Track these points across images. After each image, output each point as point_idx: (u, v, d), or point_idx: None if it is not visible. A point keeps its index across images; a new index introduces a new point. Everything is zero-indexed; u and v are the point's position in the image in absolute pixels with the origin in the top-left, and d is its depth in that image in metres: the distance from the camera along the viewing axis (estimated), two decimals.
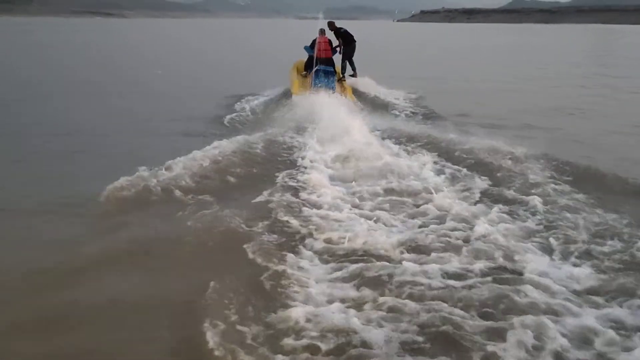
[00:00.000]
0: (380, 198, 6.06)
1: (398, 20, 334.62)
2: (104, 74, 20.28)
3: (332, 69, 12.18)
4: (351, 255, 4.62)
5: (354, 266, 4.39)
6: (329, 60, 12.18)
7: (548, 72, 23.18)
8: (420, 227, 5.25)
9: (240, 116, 10.99)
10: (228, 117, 10.86)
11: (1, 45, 36.90)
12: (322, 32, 12.30)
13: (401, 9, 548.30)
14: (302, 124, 9.17)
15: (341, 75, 12.80)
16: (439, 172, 6.96)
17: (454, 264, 4.44)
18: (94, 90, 15.56)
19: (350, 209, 5.68)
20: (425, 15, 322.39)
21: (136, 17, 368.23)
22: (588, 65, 27.83)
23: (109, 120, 10.85)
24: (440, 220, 5.42)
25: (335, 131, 8.24)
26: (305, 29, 15.01)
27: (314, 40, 12.12)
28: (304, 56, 12.80)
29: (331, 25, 12.70)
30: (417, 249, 4.76)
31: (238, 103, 12.29)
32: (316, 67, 11.87)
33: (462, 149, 7.88)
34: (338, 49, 12.66)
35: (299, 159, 7.48)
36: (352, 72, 13.38)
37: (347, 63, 13.11)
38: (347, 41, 12.80)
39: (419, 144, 8.42)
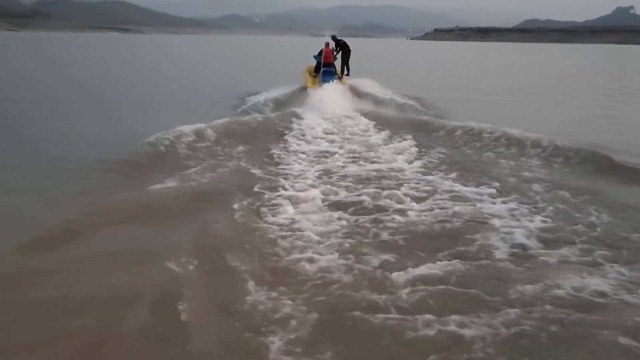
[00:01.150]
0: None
1: (412, 39, 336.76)
2: (117, 88, 20.54)
3: (334, 70, 16.72)
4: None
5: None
6: (331, 64, 16.68)
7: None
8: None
9: (266, 102, 14.63)
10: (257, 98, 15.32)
11: (15, 60, 37.30)
12: (327, 44, 17.05)
13: (415, 28, 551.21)
14: (315, 105, 13.62)
15: (340, 75, 17.05)
16: (380, 131, 11.17)
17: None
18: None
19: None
20: (439, 34, 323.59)
21: (153, 32, 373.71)
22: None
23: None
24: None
25: (331, 109, 13.38)
26: (314, 45, 19.17)
27: (321, 50, 16.77)
28: (312, 63, 17.33)
29: (334, 38, 17.66)
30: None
31: (261, 94, 15.94)
32: (323, 69, 16.41)
33: (413, 123, 11.82)
34: (337, 55, 17.27)
35: (309, 120, 12.13)
36: (346, 72, 17.63)
37: (347, 67, 17.59)
38: (345, 50, 17.31)
39: (380, 118, 12.60)
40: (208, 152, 8.72)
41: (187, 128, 9.26)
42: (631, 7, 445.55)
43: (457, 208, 6.04)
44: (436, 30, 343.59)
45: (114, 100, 16.01)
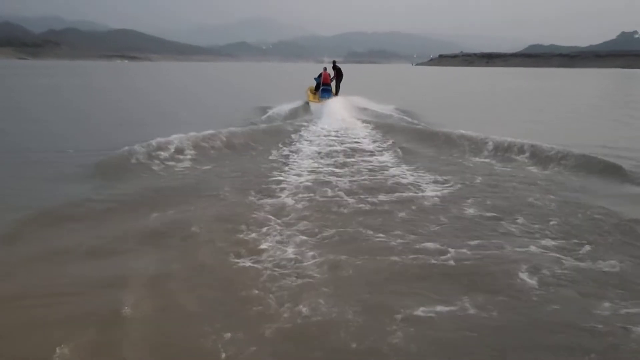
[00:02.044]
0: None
1: (417, 64, 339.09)
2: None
3: (330, 89, 20.87)
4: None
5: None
6: (328, 84, 20.82)
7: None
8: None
9: (279, 113, 18.61)
10: (270, 112, 18.98)
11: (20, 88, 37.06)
12: (325, 69, 21.28)
13: (420, 54, 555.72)
14: (316, 115, 17.45)
15: (335, 93, 21.10)
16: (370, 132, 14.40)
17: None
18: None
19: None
20: (444, 59, 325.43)
21: (161, 60, 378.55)
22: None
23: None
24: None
25: (330, 117, 16.63)
26: (318, 70, 22.12)
27: (320, 73, 21.05)
28: (313, 84, 21.74)
29: (334, 63, 21.92)
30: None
31: (274, 108, 19.62)
32: (322, 88, 20.64)
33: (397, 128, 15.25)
34: (334, 78, 21.19)
35: (313, 126, 15.25)
36: (338, 92, 21.36)
37: (336, 88, 21.34)
38: (339, 74, 21.37)
39: (369, 123, 16.04)
40: (234, 151, 11.25)
41: (205, 133, 11.70)
42: (635, 32, 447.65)
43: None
44: (441, 56, 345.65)
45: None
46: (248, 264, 4.96)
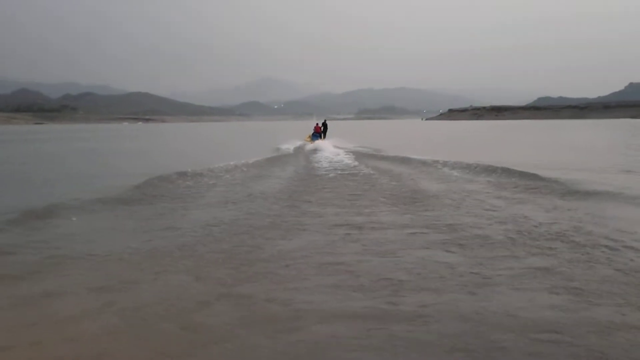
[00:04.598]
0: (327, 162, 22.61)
1: (427, 119, 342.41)
2: None
3: (319, 135, 36.00)
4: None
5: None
6: (318, 133, 36.23)
7: None
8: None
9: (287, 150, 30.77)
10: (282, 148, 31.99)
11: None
12: (317, 123, 37.54)
13: (430, 109, 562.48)
14: (311, 150, 29.30)
15: (322, 138, 35.81)
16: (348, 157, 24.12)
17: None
18: None
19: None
20: (453, 114, 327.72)
21: (175, 121, 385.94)
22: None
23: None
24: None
25: (320, 148, 29.67)
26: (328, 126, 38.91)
27: (314, 126, 37.27)
28: (310, 132, 37.32)
29: (324, 121, 38.24)
30: None
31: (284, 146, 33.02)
32: (313, 134, 36.35)
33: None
34: (323, 129, 36.95)
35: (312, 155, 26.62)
36: (324, 137, 36.28)
37: (324, 135, 36.53)
38: (326, 127, 37.28)
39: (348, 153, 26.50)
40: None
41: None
42: None
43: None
44: (450, 111, 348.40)
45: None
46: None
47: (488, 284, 5.85)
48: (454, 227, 8.68)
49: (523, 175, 15.04)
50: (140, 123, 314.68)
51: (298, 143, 34.11)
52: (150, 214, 10.35)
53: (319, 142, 32.96)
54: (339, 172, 17.64)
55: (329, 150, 27.87)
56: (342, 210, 10.35)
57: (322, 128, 36.32)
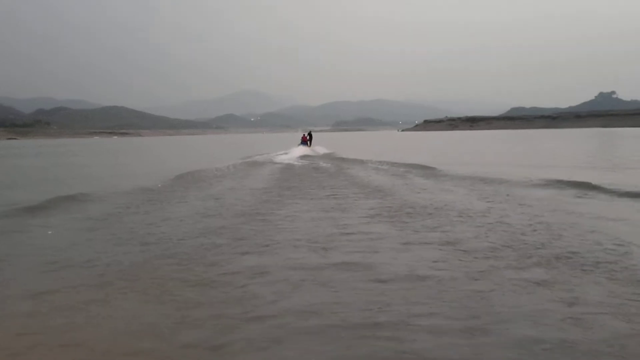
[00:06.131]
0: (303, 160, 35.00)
1: (402, 130, 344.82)
2: None
3: (306, 143, 46.70)
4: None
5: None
6: (305, 141, 47.28)
7: None
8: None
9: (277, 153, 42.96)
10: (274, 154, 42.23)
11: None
12: (303, 134, 49.25)
13: (405, 120, 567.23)
14: (296, 150, 42.20)
15: (308, 145, 46.47)
16: (321, 159, 36.05)
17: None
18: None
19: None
20: (429, 125, 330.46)
21: (151, 135, 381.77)
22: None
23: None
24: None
25: (302, 151, 41.77)
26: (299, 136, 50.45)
27: (302, 136, 48.93)
28: (299, 142, 49.18)
29: (309, 132, 50.17)
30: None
31: (279, 152, 43.39)
32: (301, 142, 47.01)
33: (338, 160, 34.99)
34: (308, 137, 48.38)
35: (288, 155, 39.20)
36: (310, 144, 46.97)
37: (310, 142, 47.62)
38: (311, 137, 48.61)
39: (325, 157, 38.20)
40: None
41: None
42: (613, 92, 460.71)
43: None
44: (426, 122, 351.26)
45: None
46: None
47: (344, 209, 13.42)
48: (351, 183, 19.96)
49: (414, 166, 25.66)
50: (115, 137, 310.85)
51: (292, 148, 45.11)
52: None
53: (306, 148, 43.75)
54: (308, 166, 29.38)
55: (306, 151, 41.85)
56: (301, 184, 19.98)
57: (308, 137, 47.36)
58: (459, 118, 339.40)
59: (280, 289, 6.22)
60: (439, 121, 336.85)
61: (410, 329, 4.88)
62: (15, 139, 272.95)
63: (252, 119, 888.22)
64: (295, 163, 31.39)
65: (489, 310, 5.32)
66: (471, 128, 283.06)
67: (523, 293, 5.92)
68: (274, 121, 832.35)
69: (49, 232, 9.99)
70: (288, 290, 6.18)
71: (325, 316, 5.37)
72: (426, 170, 23.51)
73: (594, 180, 16.81)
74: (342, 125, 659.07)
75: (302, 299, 5.84)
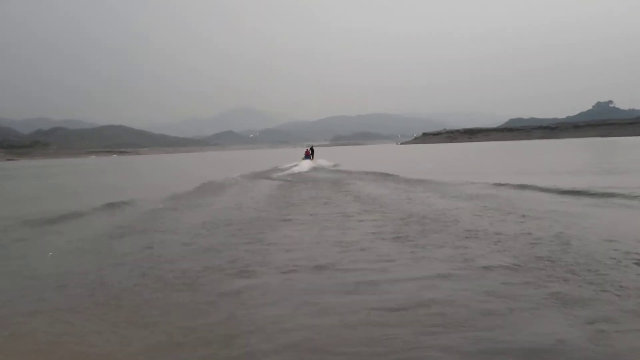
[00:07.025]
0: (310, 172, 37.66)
1: (401, 143, 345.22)
2: None
3: (309, 157, 48.69)
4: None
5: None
6: (309, 155, 49.38)
7: None
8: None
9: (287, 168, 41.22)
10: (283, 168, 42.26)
11: None
12: (306, 149, 51.59)
13: (404, 133, 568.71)
14: (304, 166, 41.34)
15: (311, 158, 48.30)
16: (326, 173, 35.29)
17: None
18: None
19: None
20: (428, 137, 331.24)
21: (150, 153, 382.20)
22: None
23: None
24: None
25: (306, 165, 42.85)
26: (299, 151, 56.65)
27: (305, 150, 51.34)
28: (302, 155, 51.35)
29: (311, 146, 52.65)
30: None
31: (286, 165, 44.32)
32: (305, 156, 49.04)
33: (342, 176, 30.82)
34: (311, 152, 50.51)
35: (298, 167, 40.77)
36: (313, 158, 48.65)
37: (312, 156, 49.55)
38: (313, 151, 50.75)
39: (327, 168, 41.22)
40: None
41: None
42: (610, 102, 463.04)
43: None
44: (424, 134, 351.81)
45: None
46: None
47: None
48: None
49: (388, 176, 26.56)
50: (114, 156, 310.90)
51: (297, 161, 46.70)
52: None
53: (309, 161, 45.82)
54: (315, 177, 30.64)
55: (311, 165, 43.07)
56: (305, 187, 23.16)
57: (310, 151, 50.12)
58: (457, 130, 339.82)
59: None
60: (438, 134, 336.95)
61: None
62: (13, 159, 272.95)
63: (250, 135, 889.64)
64: (314, 174, 32.83)
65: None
66: (469, 140, 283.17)
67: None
68: (273, 137, 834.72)
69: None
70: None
71: None
72: (395, 179, 24.55)
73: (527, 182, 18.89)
74: (341, 139, 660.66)
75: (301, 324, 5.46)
